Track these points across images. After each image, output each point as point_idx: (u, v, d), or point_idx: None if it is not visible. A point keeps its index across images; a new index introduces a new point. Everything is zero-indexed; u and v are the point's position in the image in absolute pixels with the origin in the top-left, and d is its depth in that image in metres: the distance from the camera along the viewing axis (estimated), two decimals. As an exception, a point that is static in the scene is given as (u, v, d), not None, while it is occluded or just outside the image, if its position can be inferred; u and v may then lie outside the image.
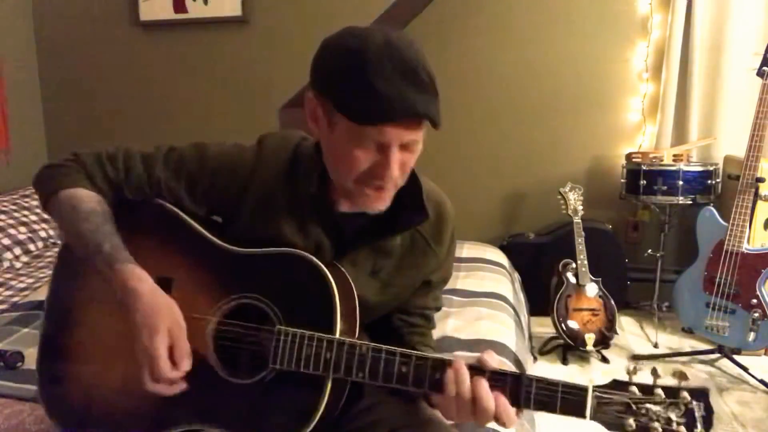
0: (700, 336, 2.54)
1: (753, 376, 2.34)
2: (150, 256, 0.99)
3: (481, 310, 1.94)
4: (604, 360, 2.58)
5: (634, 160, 2.78)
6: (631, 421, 0.82)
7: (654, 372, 0.85)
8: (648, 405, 0.82)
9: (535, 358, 2.54)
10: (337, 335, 0.91)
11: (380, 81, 0.83)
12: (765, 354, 2.59)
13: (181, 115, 3.35)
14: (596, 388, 0.83)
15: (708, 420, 0.81)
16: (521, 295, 2.51)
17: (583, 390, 0.83)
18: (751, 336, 2.33)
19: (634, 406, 0.82)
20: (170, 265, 1.00)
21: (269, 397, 0.94)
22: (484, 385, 0.85)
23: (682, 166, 2.62)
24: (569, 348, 2.59)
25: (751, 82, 2.60)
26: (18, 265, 2.48)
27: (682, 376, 0.84)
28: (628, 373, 0.86)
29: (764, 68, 2.30)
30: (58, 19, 3.37)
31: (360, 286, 1.00)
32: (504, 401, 0.85)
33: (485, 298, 2.07)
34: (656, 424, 0.81)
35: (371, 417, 1.04)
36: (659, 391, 0.83)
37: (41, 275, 2.32)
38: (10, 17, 3.23)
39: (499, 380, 0.86)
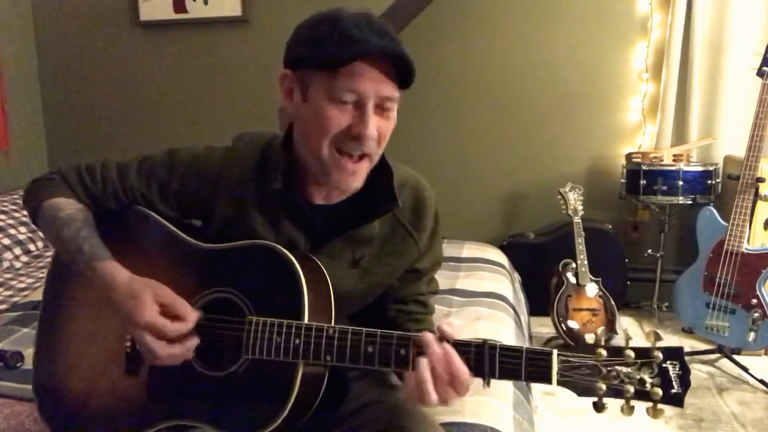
0: (700, 336, 2.54)
1: (753, 376, 2.34)
2: (127, 259, 1.01)
3: (481, 310, 1.94)
4: (604, 360, 2.57)
5: (634, 160, 2.78)
6: (601, 384, 0.79)
7: (626, 334, 0.83)
8: (618, 367, 0.79)
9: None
10: (305, 321, 0.91)
11: (353, 29, 0.87)
12: (765, 354, 2.59)
13: (180, 115, 3.35)
14: (561, 352, 0.81)
15: (684, 379, 0.78)
16: (521, 295, 2.51)
17: (547, 354, 0.81)
18: (751, 336, 2.33)
19: (603, 369, 0.80)
20: (147, 266, 1.01)
21: (244, 387, 0.95)
22: (454, 354, 0.84)
23: (682, 166, 2.63)
24: (569, 348, 2.58)
25: (751, 82, 2.60)
26: (18, 265, 2.48)
27: (656, 336, 0.81)
28: (596, 336, 0.83)
29: (764, 68, 2.30)
30: (58, 19, 3.37)
31: (339, 278, 1.01)
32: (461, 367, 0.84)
33: (485, 298, 2.06)
34: (629, 386, 0.78)
35: (360, 419, 1.04)
36: (629, 351, 0.80)
37: (41, 275, 2.32)
38: (10, 17, 3.23)
39: (462, 351, 0.85)
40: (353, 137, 0.91)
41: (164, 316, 0.93)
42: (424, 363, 0.85)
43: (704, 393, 2.29)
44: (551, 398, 2.22)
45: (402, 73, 0.90)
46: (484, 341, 0.84)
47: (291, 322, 0.91)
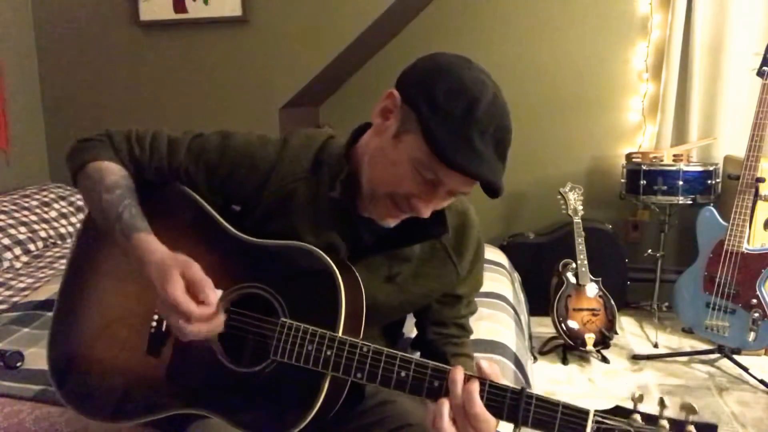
0: (700, 336, 2.54)
1: (753, 376, 2.34)
2: (164, 238, 0.98)
3: (481, 310, 1.92)
4: (604, 360, 2.57)
5: (634, 160, 2.78)
6: None
7: (661, 402, 0.81)
8: None
9: (535, 358, 2.54)
10: (340, 334, 0.91)
11: (479, 138, 0.85)
12: (765, 354, 2.59)
13: (181, 115, 3.35)
14: (597, 412, 0.80)
15: None
16: (521, 295, 2.51)
17: (584, 413, 0.80)
18: (751, 336, 2.33)
19: None
20: (183, 248, 0.98)
21: (267, 388, 0.94)
22: (473, 392, 0.82)
23: (682, 166, 2.63)
24: (569, 348, 2.59)
25: (751, 82, 2.60)
26: (18, 265, 2.48)
27: (690, 409, 0.80)
28: (633, 400, 0.82)
29: (764, 68, 2.30)
30: (58, 19, 3.37)
31: (372, 290, 0.99)
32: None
33: (485, 298, 2.06)
34: None
35: (372, 417, 1.04)
36: (664, 422, 0.79)
37: (41, 275, 2.32)
38: (11, 18, 3.23)
39: (497, 394, 0.83)
40: (411, 204, 0.91)
41: (191, 294, 0.90)
42: (443, 401, 0.84)
43: (704, 393, 2.29)
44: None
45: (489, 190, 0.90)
46: (522, 389, 0.83)
47: (325, 332, 0.90)
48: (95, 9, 3.33)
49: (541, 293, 2.74)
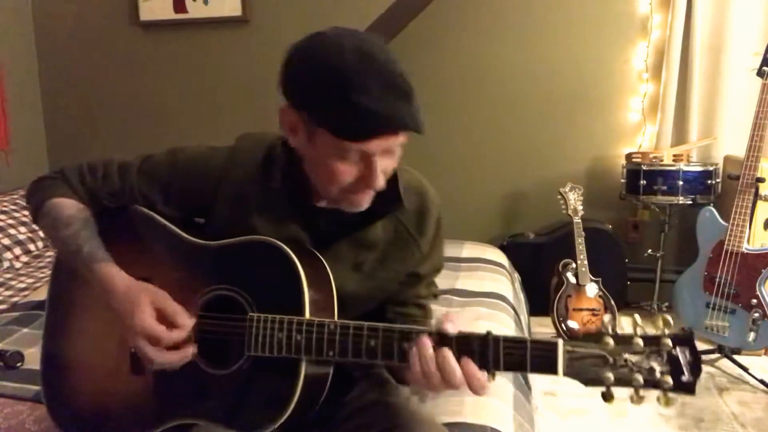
0: (700, 336, 2.54)
1: (753, 376, 2.34)
2: (128, 260, 1.01)
3: (481, 310, 1.94)
4: (604, 360, 2.57)
5: (634, 160, 2.78)
6: (609, 374, 0.77)
7: (634, 322, 0.79)
8: (626, 355, 0.77)
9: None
10: (307, 317, 0.91)
11: (364, 98, 0.82)
12: (765, 354, 2.59)
13: (180, 115, 3.35)
14: (567, 342, 0.79)
15: (695, 366, 0.76)
16: (521, 295, 2.51)
17: (552, 345, 0.79)
18: (751, 336, 2.33)
19: (611, 359, 0.77)
20: (147, 266, 1.02)
21: (248, 385, 0.95)
22: (448, 356, 0.83)
23: (682, 166, 2.63)
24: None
25: (751, 82, 2.60)
26: (18, 265, 2.48)
27: (665, 322, 0.78)
28: (603, 326, 0.80)
29: (764, 68, 2.30)
30: (58, 19, 3.37)
31: (341, 280, 1.00)
32: (472, 368, 0.83)
33: (485, 298, 2.06)
34: (638, 375, 0.76)
35: (363, 419, 1.04)
36: (637, 340, 0.77)
37: (41, 275, 2.32)
38: (10, 18, 3.22)
39: (465, 345, 0.83)
40: (361, 184, 0.91)
41: (161, 322, 0.92)
42: (414, 360, 0.85)
43: (704, 393, 2.29)
44: (552, 398, 2.22)
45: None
46: (487, 333, 0.83)
47: (292, 318, 0.91)
48: (95, 9, 3.33)
49: (541, 293, 2.74)
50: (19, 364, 1.52)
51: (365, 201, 0.96)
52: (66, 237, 1.02)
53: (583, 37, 3.02)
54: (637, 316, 0.80)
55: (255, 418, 0.93)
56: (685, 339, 0.76)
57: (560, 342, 0.79)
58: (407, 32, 3.07)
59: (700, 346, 2.57)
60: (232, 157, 1.05)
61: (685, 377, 0.75)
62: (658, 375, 0.76)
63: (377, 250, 1.05)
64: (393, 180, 1.01)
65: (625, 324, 2.93)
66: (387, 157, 0.91)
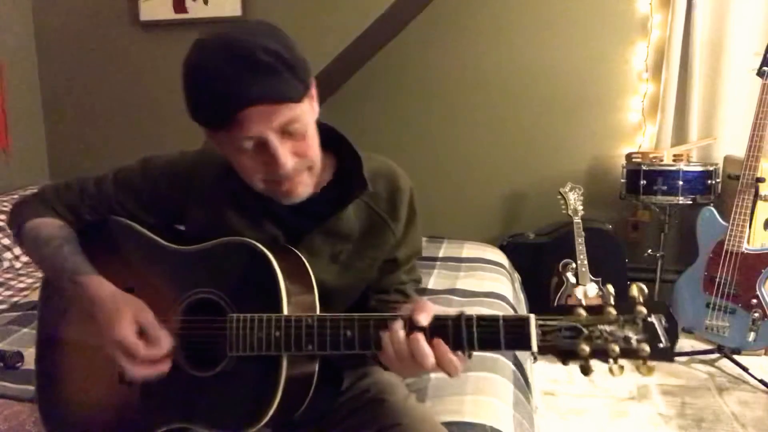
0: (700, 336, 2.54)
1: (753, 376, 2.34)
2: (110, 271, 1.01)
3: (481, 310, 1.94)
4: (605, 360, 2.57)
5: (634, 160, 2.78)
6: (584, 346, 0.76)
7: (606, 291, 0.80)
8: (600, 326, 0.75)
9: (534, 358, 2.53)
10: (285, 314, 0.91)
11: (209, 82, 0.84)
12: (765, 354, 2.59)
13: (180, 115, 3.33)
14: (539, 316, 0.78)
15: (672, 331, 0.75)
16: (521, 295, 2.51)
17: (524, 320, 0.78)
18: (751, 336, 2.33)
19: (585, 330, 0.76)
20: (129, 276, 1.02)
21: (233, 385, 0.95)
22: (419, 338, 0.83)
23: (682, 166, 2.63)
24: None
25: (751, 82, 2.60)
26: (18, 265, 2.48)
27: (640, 291, 0.77)
28: (605, 298, 0.80)
29: (764, 68, 2.30)
30: (58, 19, 3.37)
31: (319, 273, 1.00)
32: (443, 349, 0.82)
33: (485, 298, 2.06)
34: (614, 345, 0.74)
35: (360, 417, 1.05)
36: (610, 309, 0.76)
37: (41, 275, 2.32)
38: (10, 17, 3.22)
39: (438, 327, 0.83)
40: (272, 170, 0.91)
41: (141, 337, 0.92)
42: (386, 343, 0.85)
43: (704, 393, 2.29)
44: (551, 398, 2.22)
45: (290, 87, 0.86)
46: (460, 313, 0.82)
47: (271, 315, 0.91)
48: (95, 9, 3.33)
49: (541, 293, 2.73)
50: (18, 364, 1.52)
51: (296, 189, 0.94)
52: (48, 255, 1.03)
53: (583, 37, 3.02)
54: (610, 286, 0.80)
55: (240, 418, 0.93)
56: (659, 305, 0.75)
57: (532, 316, 0.78)
58: (407, 32, 3.07)
59: (701, 346, 2.58)
60: (200, 160, 1.07)
61: (662, 344, 0.74)
62: (634, 344, 0.74)
63: (352, 240, 1.05)
64: (357, 165, 1.01)
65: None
66: (287, 138, 0.89)
